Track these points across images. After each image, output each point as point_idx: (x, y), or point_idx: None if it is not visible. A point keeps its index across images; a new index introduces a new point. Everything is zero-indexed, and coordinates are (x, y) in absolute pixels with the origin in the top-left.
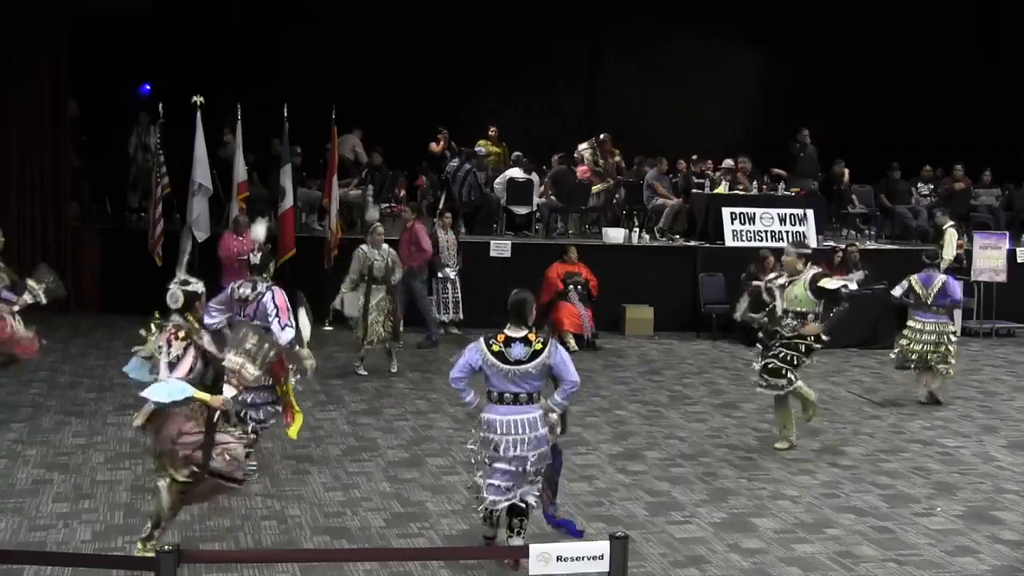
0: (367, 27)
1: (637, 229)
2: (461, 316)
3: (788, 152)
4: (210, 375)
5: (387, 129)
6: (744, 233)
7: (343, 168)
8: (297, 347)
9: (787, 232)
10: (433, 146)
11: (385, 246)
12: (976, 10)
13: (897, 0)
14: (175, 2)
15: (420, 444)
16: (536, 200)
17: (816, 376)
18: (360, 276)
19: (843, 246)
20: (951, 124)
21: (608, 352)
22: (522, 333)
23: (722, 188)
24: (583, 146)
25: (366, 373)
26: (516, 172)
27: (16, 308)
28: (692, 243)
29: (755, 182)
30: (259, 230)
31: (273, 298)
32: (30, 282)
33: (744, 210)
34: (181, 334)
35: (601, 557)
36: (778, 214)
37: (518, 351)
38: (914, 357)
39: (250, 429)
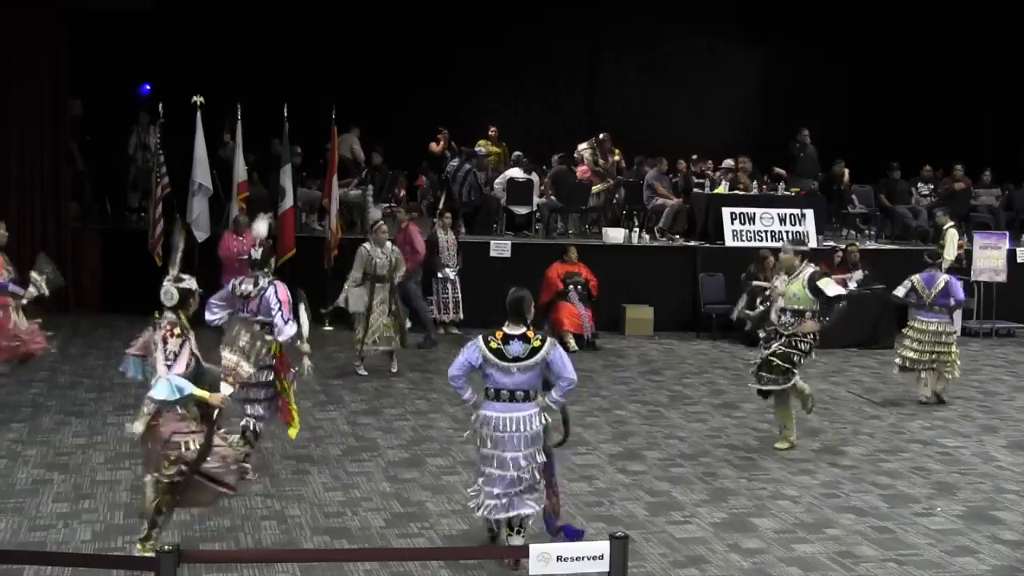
0: (367, 27)
1: (637, 229)
2: (461, 316)
3: (788, 152)
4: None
5: (387, 129)
6: (744, 233)
7: (343, 168)
8: (298, 342)
9: (787, 232)
10: (433, 146)
11: (388, 244)
12: (976, 10)
13: (897, 0)
14: (175, 2)
15: (420, 444)
16: (536, 200)
17: (816, 376)
18: (363, 274)
19: (843, 246)
20: (951, 124)
21: (608, 352)
22: (520, 331)
23: (722, 188)
24: (583, 146)
25: (366, 373)
26: (516, 172)
27: (24, 301)
28: (692, 243)
29: (755, 182)
30: (261, 226)
31: (276, 292)
32: (33, 274)
33: (744, 210)
34: (177, 330)
35: (601, 557)
36: (778, 214)
37: (516, 348)
38: (916, 357)
39: (251, 425)
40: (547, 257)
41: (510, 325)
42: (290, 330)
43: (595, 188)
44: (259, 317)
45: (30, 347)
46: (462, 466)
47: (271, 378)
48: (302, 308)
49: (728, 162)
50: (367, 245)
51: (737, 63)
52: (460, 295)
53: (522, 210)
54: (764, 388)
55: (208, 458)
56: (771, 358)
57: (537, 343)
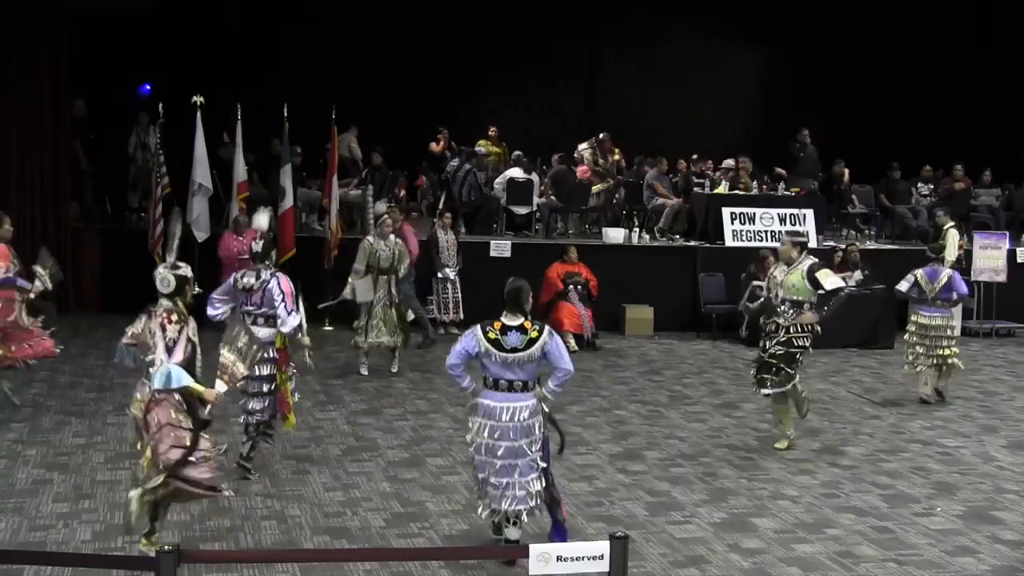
0: (367, 27)
1: (637, 229)
2: (461, 316)
3: (788, 152)
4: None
5: (387, 129)
6: (744, 233)
7: (343, 168)
8: (299, 335)
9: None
10: (433, 146)
11: (392, 237)
12: (976, 10)
13: (897, 0)
14: (175, 2)
15: (420, 444)
16: (536, 200)
17: (816, 376)
18: (366, 266)
19: (843, 246)
20: (951, 124)
21: (608, 352)
22: (518, 321)
23: (722, 188)
24: (583, 146)
25: (367, 373)
26: (516, 172)
27: (32, 295)
28: (692, 243)
29: (755, 182)
30: (262, 219)
31: (278, 284)
32: (37, 268)
33: (744, 210)
34: (174, 317)
35: (601, 557)
36: (778, 214)
37: (514, 339)
38: (926, 352)
39: (254, 420)
40: (547, 257)
41: (508, 315)
42: (293, 321)
43: (595, 188)
44: (263, 309)
45: (39, 351)
46: (462, 466)
47: (272, 371)
48: (299, 302)
49: (728, 162)
50: (370, 238)
51: (737, 63)
52: (460, 295)
53: (522, 210)
54: (769, 392)
55: (191, 460)
56: (772, 360)
57: (535, 333)
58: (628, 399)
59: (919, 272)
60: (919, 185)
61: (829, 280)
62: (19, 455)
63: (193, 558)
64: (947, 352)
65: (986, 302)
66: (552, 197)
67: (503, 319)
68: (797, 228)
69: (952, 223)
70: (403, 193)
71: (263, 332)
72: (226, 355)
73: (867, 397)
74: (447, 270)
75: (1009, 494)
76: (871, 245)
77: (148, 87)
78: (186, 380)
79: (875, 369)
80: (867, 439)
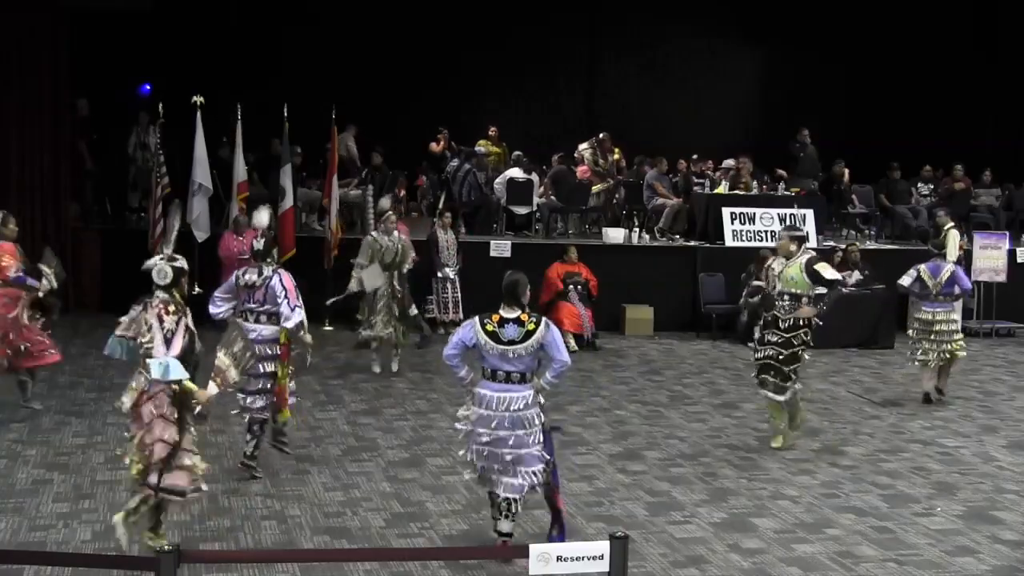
0: (367, 27)
1: (637, 229)
2: (461, 316)
3: (788, 152)
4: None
5: (387, 129)
6: (744, 233)
7: (343, 168)
8: (301, 331)
9: None
10: (433, 146)
11: (396, 233)
12: (976, 10)
13: (897, 0)
14: (175, 2)
15: (420, 444)
16: (536, 200)
17: (816, 376)
18: (369, 261)
19: (843, 246)
20: (951, 124)
21: (608, 352)
22: (516, 314)
23: (722, 188)
24: (583, 146)
25: (379, 371)
26: (516, 172)
27: (40, 293)
28: (692, 243)
29: (755, 182)
30: (262, 217)
31: (281, 281)
32: (43, 266)
33: (744, 210)
34: (172, 308)
35: (601, 557)
36: (778, 214)
37: (511, 331)
38: (934, 348)
39: (258, 420)
40: (547, 257)
41: (506, 308)
42: (297, 317)
43: (595, 188)
44: (265, 307)
45: (46, 359)
46: (462, 466)
47: (275, 368)
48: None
49: (728, 162)
50: (374, 233)
51: (737, 63)
52: (460, 295)
53: (522, 210)
54: (774, 397)
55: (173, 462)
56: (776, 363)
57: (532, 326)
58: (628, 399)
59: (922, 267)
60: (919, 185)
61: (829, 271)
62: (19, 455)
63: (193, 558)
64: (956, 346)
65: (986, 302)
66: (552, 197)
67: (501, 312)
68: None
69: (952, 223)
70: (403, 193)
71: (266, 330)
72: (222, 358)
73: (867, 397)
74: (447, 270)
75: (1009, 494)
76: (871, 245)
77: (148, 87)
78: (182, 374)
79: (875, 369)
80: (867, 439)
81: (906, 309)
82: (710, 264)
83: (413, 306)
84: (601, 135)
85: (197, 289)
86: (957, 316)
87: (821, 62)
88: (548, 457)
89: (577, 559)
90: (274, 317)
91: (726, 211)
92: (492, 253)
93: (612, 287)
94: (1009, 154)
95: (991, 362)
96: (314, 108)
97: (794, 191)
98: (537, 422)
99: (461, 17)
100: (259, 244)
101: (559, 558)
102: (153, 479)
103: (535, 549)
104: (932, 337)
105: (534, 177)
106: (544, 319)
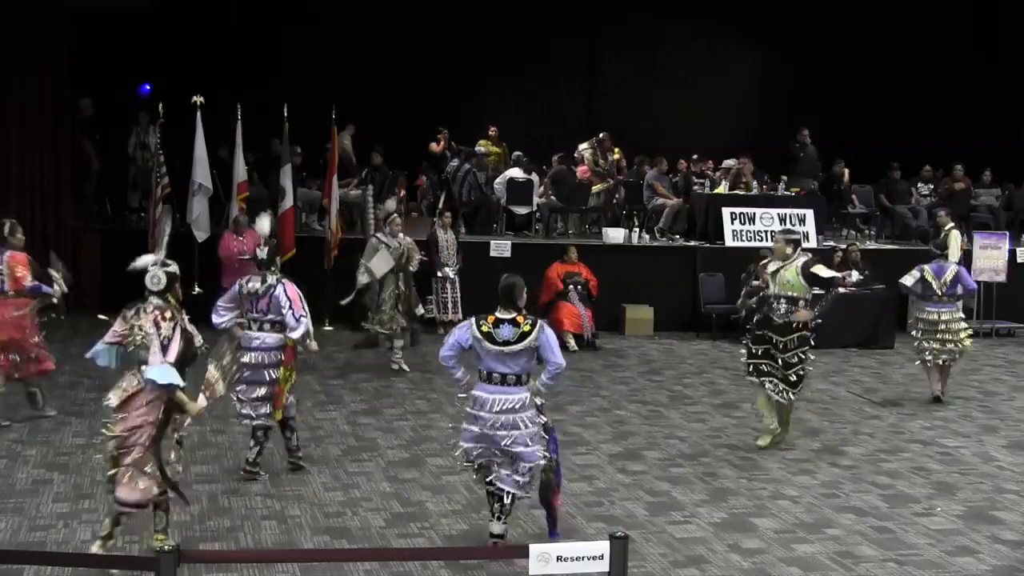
0: (367, 27)
1: (637, 229)
2: (461, 316)
3: (788, 152)
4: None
5: (387, 129)
6: (744, 233)
7: (343, 168)
8: (308, 339)
9: None
10: (433, 146)
11: (400, 235)
12: (976, 10)
13: (897, 0)
14: (175, 2)
15: (420, 444)
16: (536, 200)
17: (816, 376)
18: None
19: (843, 246)
20: (951, 124)
21: (608, 352)
22: (511, 315)
23: (722, 188)
24: (583, 146)
25: (408, 369)
26: (516, 172)
27: (54, 300)
28: (692, 243)
29: (755, 182)
30: (264, 225)
31: (285, 291)
32: (52, 272)
33: (744, 210)
34: (168, 314)
35: (601, 557)
36: (778, 214)
37: (506, 332)
38: (940, 348)
39: (262, 427)
40: (547, 257)
41: (502, 310)
42: (302, 328)
43: (595, 188)
44: (269, 316)
45: (44, 367)
46: (462, 466)
47: (275, 376)
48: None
49: (728, 162)
50: (379, 235)
51: (737, 63)
52: (460, 295)
53: (522, 210)
54: (777, 397)
55: (132, 479)
56: (785, 370)
57: (527, 327)
58: (628, 399)
59: (926, 268)
60: (919, 185)
61: (825, 271)
62: (19, 455)
63: (193, 558)
64: (966, 343)
65: (986, 302)
66: (552, 197)
67: (497, 313)
68: (791, 227)
69: (952, 223)
70: (403, 193)
71: (270, 337)
72: (212, 371)
73: (867, 397)
74: (447, 270)
75: (1009, 494)
76: (871, 245)
77: (148, 87)
78: (177, 382)
79: (875, 369)
80: (867, 439)
81: (906, 309)
82: (710, 264)
83: (420, 306)
84: (601, 135)
85: (197, 289)
86: (961, 314)
87: (821, 62)
88: (553, 456)
89: (577, 559)
90: (278, 325)
91: (726, 211)
92: (492, 253)
93: (612, 287)
94: (1009, 154)
95: (991, 362)
96: (314, 108)
97: (794, 191)
98: (533, 424)
99: (461, 17)
100: (262, 253)
101: (559, 558)
102: (119, 493)
103: (535, 549)
104: (938, 337)
105: (534, 177)
106: (540, 321)
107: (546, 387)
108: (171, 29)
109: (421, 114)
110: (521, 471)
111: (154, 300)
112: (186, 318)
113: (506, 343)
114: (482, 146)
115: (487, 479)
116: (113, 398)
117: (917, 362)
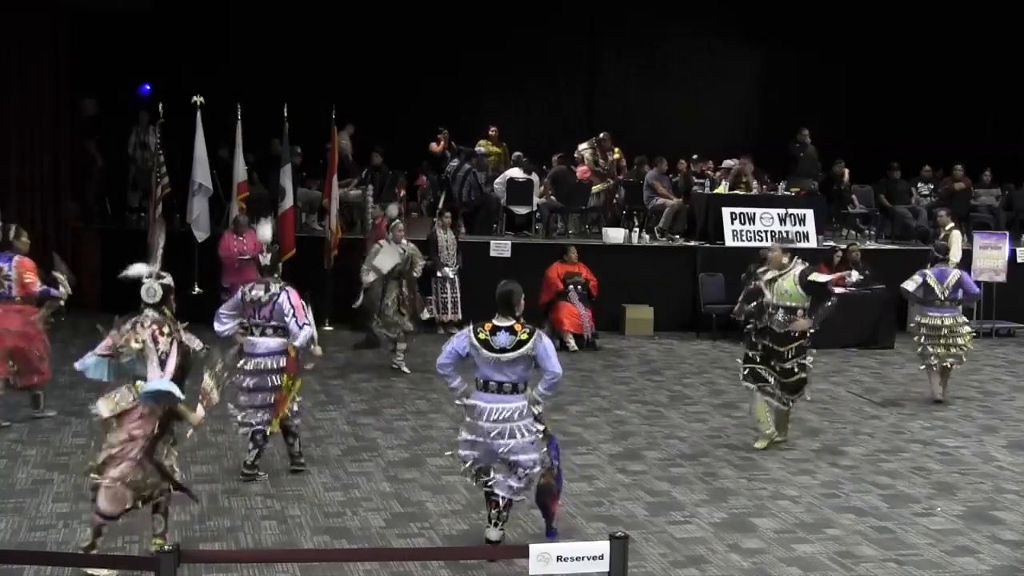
0: (367, 27)
1: (637, 229)
2: (460, 316)
3: (788, 152)
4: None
5: (387, 129)
6: (744, 233)
7: (343, 168)
8: (312, 346)
9: (787, 232)
10: (433, 146)
11: (404, 241)
12: (976, 10)
13: (897, 0)
14: (175, 2)
15: (420, 444)
16: (536, 200)
17: (816, 376)
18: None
19: (843, 246)
20: (951, 124)
21: (608, 352)
22: (509, 323)
23: (722, 188)
24: (583, 146)
25: (408, 371)
26: (516, 172)
27: (61, 302)
28: (692, 243)
29: (755, 182)
30: (265, 231)
31: (289, 298)
32: (57, 275)
33: (744, 210)
34: (165, 329)
35: (601, 557)
36: (778, 214)
37: (503, 339)
38: (944, 352)
39: (261, 432)
40: (547, 257)
41: (499, 317)
42: (305, 335)
43: (595, 188)
44: (272, 322)
45: (43, 378)
46: (462, 471)
47: (278, 382)
48: (309, 313)
49: (728, 162)
50: (382, 242)
51: (737, 63)
52: (459, 295)
53: (522, 210)
54: (782, 406)
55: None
56: (787, 380)
57: (524, 335)
58: (628, 399)
59: (928, 272)
60: (919, 185)
61: (822, 277)
62: (19, 455)
63: (193, 558)
64: (968, 347)
65: (986, 302)
66: (552, 197)
67: (494, 320)
68: (798, 235)
69: (953, 223)
70: (403, 193)
71: (272, 342)
72: (207, 380)
73: (867, 397)
74: (447, 270)
75: (1009, 494)
76: (871, 245)
77: (148, 87)
78: (176, 394)
79: (875, 369)
80: (867, 439)
81: (906, 309)
82: (710, 264)
83: (425, 310)
84: (601, 135)
85: (197, 289)
86: (964, 318)
87: (821, 62)
88: (555, 463)
89: (577, 559)
90: (281, 330)
91: (726, 211)
92: (492, 253)
93: (612, 287)
94: (1009, 154)
95: (991, 362)
96: (314, 108)
97: (794, 191)
98: (531, 432)
99: (461, 17)
100: (266, 259)
101: (559, 558)
102: (100, 503)
103: (535, 549)
104: (942, 342)
105: (534, 177)
106: (537, 330)
107: (542, 397)
108: (171, 29)
109: (421, 114)
110: (519, 475)
111: (150, 313)
112: (182, 328)
113: (503, 351)
114: (482, 146)
115: (485, 482)
116: (104, 409)
117: (922, 366)
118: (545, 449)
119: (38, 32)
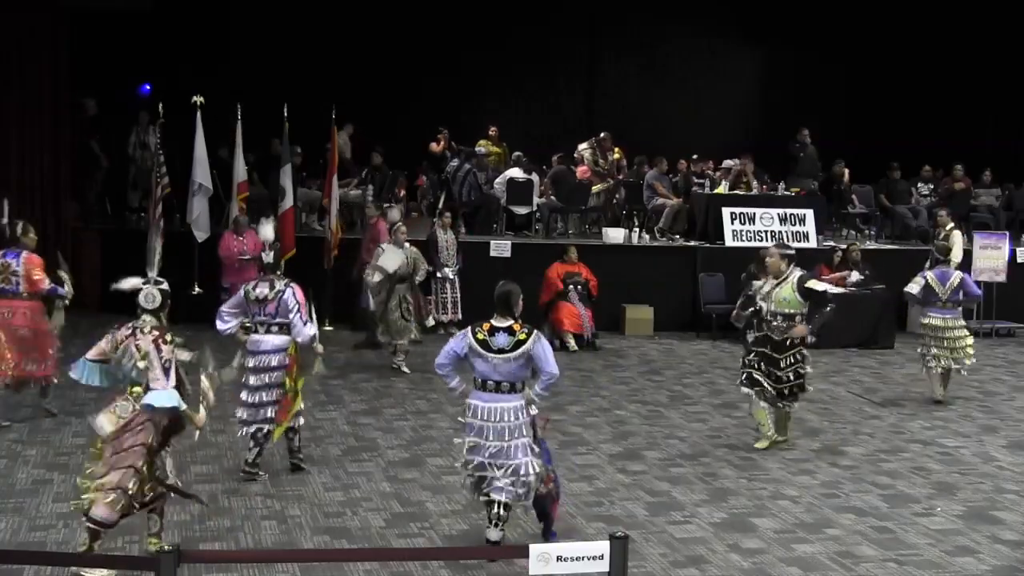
0: (367, 27)
1: (637, 229)
2: (460, 316)
3: (788, 152)
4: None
5: (387, 129)
6: (744, 233)
7: (343, 168)
8: (314, 343)
9: (787, 232)
10: (433, 146)
11: (407, 244)
12: (976, 10)
13: (897, 0)
14: (175, 2)
15: (420, 444)
16: (536, 200)
17: (816, 376)
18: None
19: (843, 246)
20: (951, 124)
21: (608, 352)
22: (507, 323)
23: (722, 188)
24: (583, 146)
25: (408, 371)
26: (516, 172)
27: (67, 301)
28: (692, 243)
29: (755, 182)
30: (267, 230)
31: (293, 295)
32: (61, 273)
33: (744, 210)
34: (168, 337)
35: (601, 557)
36: (778, 214)
37: (501, 340)
38: (946, 354)
39: (264, 429)
40: (547, 257)
41: (498, 317)
42: (308, 331)
43: (595, 188)
44: (277, 319)
45: (47, 371)
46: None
47: (281, 379)
48: (312, 311)
49: (728, 162)
50: (384, 245)
51: (737, 63)
52: (459, 295)
53: (522, 210)
54: (784, 409)
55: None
56: (787, 385)
57: (522, 336)
58: (628, 399)
59: (929, 274)
60: (919, 185)
61: (820, 284)
62: (19, 455)
63: (193, 558)
64: (969, 351)
65: (986, 302)
66: (552, 197)
67: (493, 321)
68: (797, 236)
69: (953, 223)
70: (403, 193)
71: (278, 339)
72: (204, 381)
73: (867, 397)
74: (446, 270)
75: (1009, 494)
76: (871, 245)
77: (148, 87)
78: (180, 405)
79: (875, 369)
80: (867, 439)
81: (906, 310)
82: (710, 264)
83: (430, 317)
84: (601, 135)
85: (197, 289)
86: (962, 320)
87: (821, 62)
88: (548, 466)
89: (577, 559)
90: (284, 328)
91: (726, 211)
92: (492, 253)
93: (612, 287)
94: (1009, 154)
95: (991, 362)
96: (314, 108)
97: (794, 191)
98: (528, 432)
99: (461, 17)
100: (268, 257)
101: (559, 558)
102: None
103: (535, 549)
104: (944, 344)
105: (534, 177)
106: (535, 331)
107: (540, 397)
108: (171, 29)
109: (421, 114)
110: (520, 476)
111: (149, 319)
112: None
113: (501, 351)
114: (482, 146)
115: (483, 490)
116: (107, 424)
117: (924, 369)
118: (539, 451)
119: (38, 32)
